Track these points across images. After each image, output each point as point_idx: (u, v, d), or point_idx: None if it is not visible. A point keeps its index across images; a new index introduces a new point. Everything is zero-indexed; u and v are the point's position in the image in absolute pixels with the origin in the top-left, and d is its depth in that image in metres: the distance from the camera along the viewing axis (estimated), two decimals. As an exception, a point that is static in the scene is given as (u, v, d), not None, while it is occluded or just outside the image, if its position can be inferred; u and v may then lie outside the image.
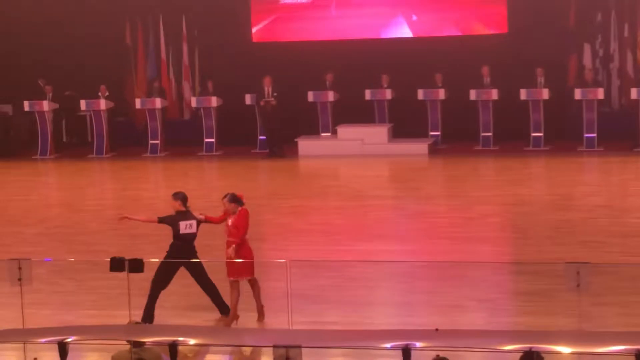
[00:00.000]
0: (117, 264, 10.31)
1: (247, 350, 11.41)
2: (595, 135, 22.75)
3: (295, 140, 23.89)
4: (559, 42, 23.40)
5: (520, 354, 7.82)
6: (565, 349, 7.92)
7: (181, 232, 12.25)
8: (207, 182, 21.98)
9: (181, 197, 12.43)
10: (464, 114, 23.36)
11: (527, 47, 23.13)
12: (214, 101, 24.20)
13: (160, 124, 24.55)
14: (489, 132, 23.51)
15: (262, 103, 23.79)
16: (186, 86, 25.66)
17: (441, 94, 23.71)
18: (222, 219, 12.36)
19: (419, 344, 7.90)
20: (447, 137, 23.82)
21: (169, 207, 12.52)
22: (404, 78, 23.60)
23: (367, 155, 23.00)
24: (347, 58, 23.94)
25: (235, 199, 12.25)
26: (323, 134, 24.37)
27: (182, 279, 12.44)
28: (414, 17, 24.28)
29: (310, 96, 24.16)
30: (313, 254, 15.09)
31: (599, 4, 23.70)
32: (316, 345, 8.71)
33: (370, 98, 24.18)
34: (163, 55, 25.69)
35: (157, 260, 12.08)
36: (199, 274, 12.35)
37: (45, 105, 24.54)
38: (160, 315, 12.14)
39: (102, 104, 24.54)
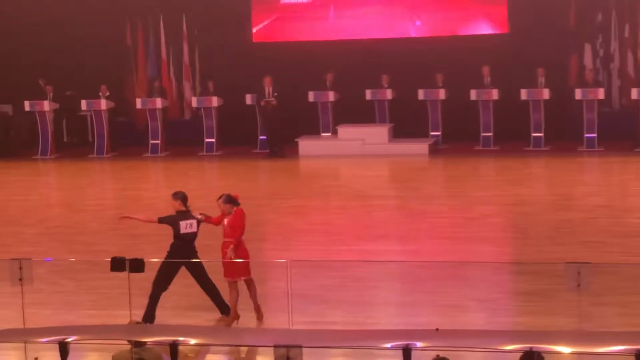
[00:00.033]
0: (117, 264, 10.29)
1: (247, 351, 11.41)
2: (595, 135, 22.76)
3: (296, 140, 23.89)
4: (560, 42, 23.41)
5: (521, 354, 7.82)
6: (565, 349, 7.92)
7: (182, 231, 12.24)
8: (207, 182, 21.95)
9: (181, 196, 12.41)
10: (465, 114, 23.37)
11: (527, 47, 23.13)
12: (215, 101, 24.20)
13: (160, 124, 24.56)
14: (489, 132, 23.52)
15: (262, 103, 23.79)
16: (187, 86, 25.67)
17: (441, 94, 23.72)
18: (220, 220, 12.35)
19: (419, 344, 7.90)
20: (448, 137, 23.83)
21: (170, 207, 12.51)
22: (405, 78, 23.60)
23: (368, 155, 23.00)
24: (348, 58, 23.95)
25: (230, 200, 12.22)
26: (323, 134, 24.37)
27: (183, 279, 12.44)
28: (418, 23, 24.29)
29: (311, 96, 24.17)
30: (313, 254, 15.09)
31: (600, 4, 23.70)
32: (317, 345, 8.71)
33: (370, 98, 24.19)
34: (163, 55, 25.70)
35: (157, 260, 12.07)
36: (200, 274, 12.34)
37: (46, 105, 24.55)
38: (161, 315, 12.13)
39: (103, 104, 24.55)
